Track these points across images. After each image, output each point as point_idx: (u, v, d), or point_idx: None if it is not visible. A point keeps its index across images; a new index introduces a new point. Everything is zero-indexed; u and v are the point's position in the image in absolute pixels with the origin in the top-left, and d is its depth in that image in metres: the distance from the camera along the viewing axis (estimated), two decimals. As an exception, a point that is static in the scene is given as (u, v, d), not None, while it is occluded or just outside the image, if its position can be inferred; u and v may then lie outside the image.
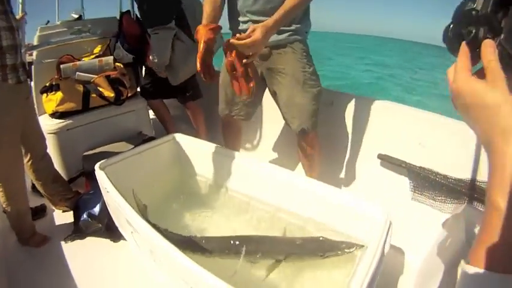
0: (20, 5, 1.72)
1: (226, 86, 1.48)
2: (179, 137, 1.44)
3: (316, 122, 1.42)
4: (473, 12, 0.37)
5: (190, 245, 1.06)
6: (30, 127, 1.43)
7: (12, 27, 1.22)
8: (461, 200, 1.18)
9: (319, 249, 1.02)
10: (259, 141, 2.10)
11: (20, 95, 1.30)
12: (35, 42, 1.88)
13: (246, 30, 1.11)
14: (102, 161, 1.23)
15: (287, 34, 1.32)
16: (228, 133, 1.67)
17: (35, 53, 1.86)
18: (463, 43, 0.37)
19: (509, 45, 0.35)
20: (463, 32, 0.38)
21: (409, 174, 1.39)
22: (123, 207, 0.99)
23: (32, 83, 1.84)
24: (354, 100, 1.63)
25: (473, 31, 0.37)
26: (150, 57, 1.81)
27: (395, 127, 1.49)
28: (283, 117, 1.47)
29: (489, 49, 0.34)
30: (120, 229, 1.26)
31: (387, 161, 1.47)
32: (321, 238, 1.03)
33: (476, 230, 1.04)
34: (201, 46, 1.09)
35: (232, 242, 1.07)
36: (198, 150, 1.42)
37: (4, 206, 1.38)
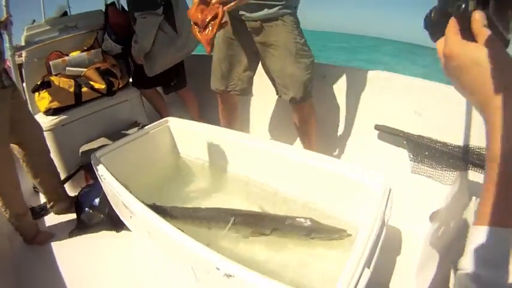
0: (4, 7, 1.70)
1: (221, 61, 1.51)
2: (173, 121, 1.46)
3: (310, 92, 1.44)
4: None
5: (182, 215, 1.14)
6: (24, 126, 1.44)
7: None
8: (461, 167, 1.18)
9: (305, 230, 1.05)
10: (257, 117, 2.11)
11: (5, 99, 1.31)
12: (23, 43, 1.87)
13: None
14: (98, 151, 1.26)
15: (277, 8, 1.34)
16: (224, 109, 1.68)
17: (23, 53, 1.85)
18: (452, 17, 0.38)
19: (496, 16, 0.35)
20: (451, 9, 0.39)
21: (408, 144, 1.39)
22: (120, 191, 1.02)
23: (24, 84, 1.87)
24: (346, 72, 1.63)
25: (463, 5, 0.38)
26: (132, 41, 1.81)
27: (390, 97, 1.49)
28: (277, 90, 1.49)
29: (479, 18, 0.35)
30: (120, 217, 1.29)
31: (385, 131, 1.47)
32: (309, 221, 1.06)
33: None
34: (213, 30, 1.05)
35: (221, 212, 1.13)
36: (192, 133, 1.44)
37: (2, 209, 1.40)
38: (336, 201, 1.10)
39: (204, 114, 2.15)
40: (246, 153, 1.29)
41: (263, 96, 1.95)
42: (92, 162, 1.24)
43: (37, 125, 1.53)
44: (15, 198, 1.41)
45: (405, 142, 1.39)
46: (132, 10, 1.82)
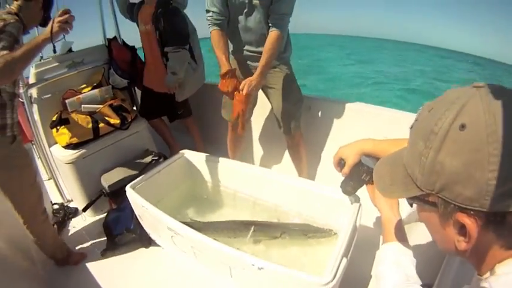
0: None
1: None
2: (188, 153, 1.88)
3: (299, 125, 1.93)
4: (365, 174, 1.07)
5: (211, 227, 1.58)
6: None
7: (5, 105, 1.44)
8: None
9: (304, 231, 1.51)
10: (257, 144, 2.59)
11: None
12: (32, 80, 2.12)
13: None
14: (131, 183, 1.63)
15: (277, 59, 1.82)
16: (233, 136, 2.16)
17: (34, 90, 2.11)
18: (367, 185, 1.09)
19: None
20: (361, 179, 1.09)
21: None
22: (164, 218, 1.40)
23: (36, 117, 2.17)
24: (328, 104, 2.09)
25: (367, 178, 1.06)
26: (169, 72, 2.11)
27: (365, 125, 1.95)
28: (277, 122, 1.97)
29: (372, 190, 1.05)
30: (155, 237, 1.69)
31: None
32: (306, 225, 1.53)
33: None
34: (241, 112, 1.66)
35: (242, 223, 1.59)
36: (204, 162, 1.85)
37: (33, 239, 1.67)
38: (323, 212, 1.54)
39: (205, 138, 2.56)
40: (252, 179, 1.72)
41: (264, 126, 2.42)
42: (126, 193, 1.62)
43: None
44: (44, 225, 1.66)
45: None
46: (162, 45, 2.13)
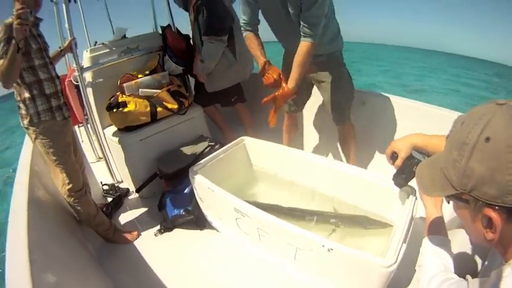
0: (68, 31, 2.15)
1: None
2: (247, 139, 2.05)
3: (348, 115, 2.13)
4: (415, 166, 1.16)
5: (275, 210, 1.74)
6: (74, 147, 1.94)
7: (53, 77, 1.73)
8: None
9: (363, 223, 1.66)
10: (310, 133, 2.80)
11: (67, 128, 1.84)
12: (86, 64, 2.33)
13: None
14: (195, 165, 1.82)
15: (325, 54, 1.97)
16: (289, 124, 2.40)
17: (89, 73, 2.32)
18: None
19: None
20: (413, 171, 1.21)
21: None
22: (231, 199, 1.57)
23: (91, 99, 2.39)
24: (383, 99, 2.23)
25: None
26: (199, 60, 2.34)
27: (420, 124, 2.06)
28: (327, 113, 2.15)
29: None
30: (212, 220, 1.87)
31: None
32: (364, 217, 1.67)
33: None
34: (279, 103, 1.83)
35: (306, 212, 1.77)
36: (264, 149, 2.02)
37: (76, 214, 1.89)
38: (379, 203, 1.66)
39: (258, 126, 2.75)
40: (308, 167, 1.88)
41: (316, 116, 2.63)
42: (189, 174, 1.81)
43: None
44: (86, 200, 1.86)
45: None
46: (200, 33, 2.31)
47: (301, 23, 1.70)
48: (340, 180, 1.79)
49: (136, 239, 2.02)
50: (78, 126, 3.12)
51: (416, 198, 1.45)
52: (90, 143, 2.99)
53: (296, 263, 1.48)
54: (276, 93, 1.81)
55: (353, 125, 2.19)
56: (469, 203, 0.64)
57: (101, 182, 2.49)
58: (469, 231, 0.77)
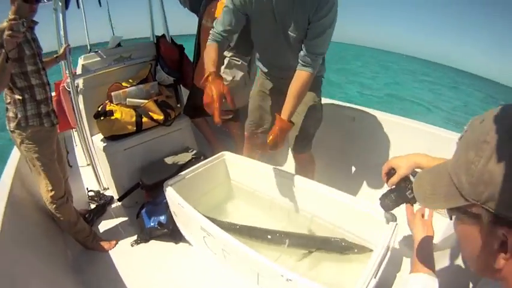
0: (63, 38, 2.17)
1: (254, 111, 2.04)
2: (227, 155, 1.99)
3: (310, 145, 1.96)
4: (410, 191, 1.13)
5: (246, 232, 1.69)
6: (58, 156, 1.93)
7: (44, 83, 1.75)
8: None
9: (339, 248, 1.56)
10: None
11: (54, 134, 1.83)
12: (79, 70, 2.33)
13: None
14: (169, 180, 1.78)
15: None
16: (249, 148, 2.19)
17: (80, 80, 2.32)
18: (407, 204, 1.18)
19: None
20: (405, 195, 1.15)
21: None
22: (198, 218, 1.52)
23: (81, 105, 2.40)
24: (373, 116, 2.13)
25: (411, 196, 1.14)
26: (225, 76, 2.21)
27: (412, 141, 1.98)
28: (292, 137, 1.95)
29: (410, 211, 1.18)
30: (186, 235, 1.83)
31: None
32: (343, 241, 1.58)
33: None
34: (217, 96, 1.43)
35: (279, 234, 1.68)
36: (244, 166, 1.95)
37: (56, 220, 1.87)
38: (359, 227, 1.59)
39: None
40: (287, 187, 1.80)
41: None
42: (163, 188, 1.76)
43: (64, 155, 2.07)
44: (67, 208, 1.85)
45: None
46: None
47: (304, 50, 1.56)
48: (319, 202, 1.71)
49: (113, 248, 2.01)
50: (73, 131, 3.13)
51: (396, 226, 1.36)
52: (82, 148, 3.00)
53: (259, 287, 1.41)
54: (273, 132, 1.60)
55: (312, 154, 2.05)
56: (481, 218, 0.49)
57: (87, 188, 2.48)
58: (468, 257, 0.59)
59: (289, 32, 1.59)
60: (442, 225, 1.68)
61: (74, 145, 3.09)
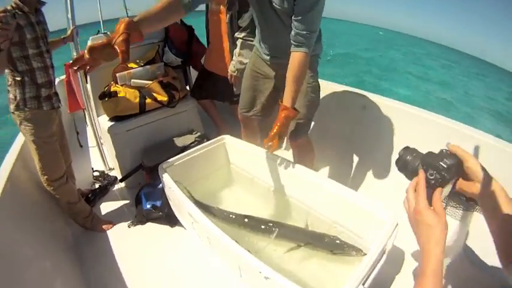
0: (70, 20, 2.16)
1: (246, 91, 1.91)
2: (228, 139, 1.91)
3: (307, 130, 1.83)
4: (444, 165, 0.74)
5: (236, 220, 1.62)
6: (60, 138, 1.94)
7: (47, 67, 1.71)
8: (471, 208, 1.49)
9: (331, 246, 1.45)
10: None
11: (53, 117, 1.80)
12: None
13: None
14: (164, 163, 1.73)
15: None
16: (246, 132, 2.09)
17: None
18: (423, 182, 0.74)
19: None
20: (428, 173, 0.75)
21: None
22: (186, 203, 1.46)
23: (89, 87, 2.39)
24: (384, 104, 1.96)
25: (438, 177, 0.74)
26: (235, 59, 2.13)
27: (421, 133, 1.81)
28: None
29: (438, 196, 0.71)
30: (180, 219, 1.78)
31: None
32: (336, 239, 1.46)
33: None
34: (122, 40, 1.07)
35: (268, 224, 1.59)
36: (244, 151, 1.86)
37: (55, 200, 1.88)
38: (357, 224, 1.47)
39: None
40: (287, 176, 1.70)
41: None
42: (153, 167, 1.72)
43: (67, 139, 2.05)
44: (66, 189, 1.87)
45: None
46: (232, 29, 2.14)
47: (294, 29, 1.44)
48: (318, 194, 1.60)
49: (110, 228, 2.03)
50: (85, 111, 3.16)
51: (396, 227, 1.25)
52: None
53: (242, 281, 1.33)
54: (277, 121, 1.51)
55: (310, 140, 1.93)
56: None
57: (92, 168, 2.49)
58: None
59: (274, 4, 1.48)
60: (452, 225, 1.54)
61: (86, 125, 3.12)
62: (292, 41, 1.47)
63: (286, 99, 1.50)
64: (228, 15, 2.13)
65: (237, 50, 2.15)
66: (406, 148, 0.89)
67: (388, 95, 2.24)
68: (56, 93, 1.83)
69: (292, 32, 1.45)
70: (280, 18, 1.53)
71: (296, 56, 1.47)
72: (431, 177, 0.75)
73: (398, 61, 18.83)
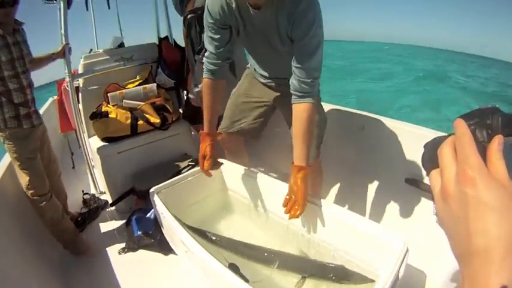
0: (63, 36, 2.09)
1: (234, 108, 1.80)
2: (224, 163, 1.80)
3: (319, 151, 1.70)
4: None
5: (234, 248, 1.52)
6: (46, 153, 1.92)
7: (23, 87, 1.67)
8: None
9: (336, 275, 1.35)
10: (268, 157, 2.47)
11: (34, 133, 1.76)
12: (80, 70, 2.29)
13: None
14: (156, 186, 1.63)
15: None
16: (228, 151, 1.95)
17: (81, 80, 2.29)
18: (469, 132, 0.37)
19: None
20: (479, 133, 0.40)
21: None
22: (178, 230, 1.37)
23: (81, 106, 2.31)
24: (384, 125, 1.90)
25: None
26: (193, 84, 2.11)
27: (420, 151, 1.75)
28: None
29: (498, 148, 0.34)
30: (173, 247, 1.67)
31: (414, 185, 1.74)
32: (340, 268, 1.36)
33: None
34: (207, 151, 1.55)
35: (269, 253, 1.49)
36: (240, 176, 1.77)
37: (39, 216, 1.81)
38: (363, 252, 1.38)
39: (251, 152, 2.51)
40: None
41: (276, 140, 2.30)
42: (145, 192, 1.62)
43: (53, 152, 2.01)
44: (50, 205, 1.80)
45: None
46: (193, 51, 2.06)
47: (296, 76, 1.30)
48: (320, 220, 1.51)
49: (96, 255, 1.92)
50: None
51: (406, 252, 1.16)
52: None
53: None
54: (293, 186, 1.39)
55: (321, 160, 1.79)
56: None
57: (83, 191, 2.38)
58: None
59: (272, 44, 1.39)
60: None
61: (79, 146, 3.02)
62: (294, 91, 1.33)
63: (299, 159, 1.34)
64: (188, 38, 2.05)
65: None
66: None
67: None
68: (36, 111, 1.80)
69: (294, 81, 1.32)
70: (278, 52, 1.43)
71: (302, 109, 1.32)
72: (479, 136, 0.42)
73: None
